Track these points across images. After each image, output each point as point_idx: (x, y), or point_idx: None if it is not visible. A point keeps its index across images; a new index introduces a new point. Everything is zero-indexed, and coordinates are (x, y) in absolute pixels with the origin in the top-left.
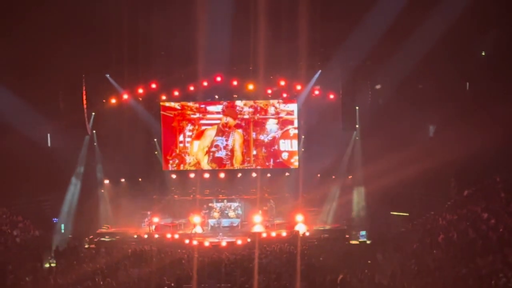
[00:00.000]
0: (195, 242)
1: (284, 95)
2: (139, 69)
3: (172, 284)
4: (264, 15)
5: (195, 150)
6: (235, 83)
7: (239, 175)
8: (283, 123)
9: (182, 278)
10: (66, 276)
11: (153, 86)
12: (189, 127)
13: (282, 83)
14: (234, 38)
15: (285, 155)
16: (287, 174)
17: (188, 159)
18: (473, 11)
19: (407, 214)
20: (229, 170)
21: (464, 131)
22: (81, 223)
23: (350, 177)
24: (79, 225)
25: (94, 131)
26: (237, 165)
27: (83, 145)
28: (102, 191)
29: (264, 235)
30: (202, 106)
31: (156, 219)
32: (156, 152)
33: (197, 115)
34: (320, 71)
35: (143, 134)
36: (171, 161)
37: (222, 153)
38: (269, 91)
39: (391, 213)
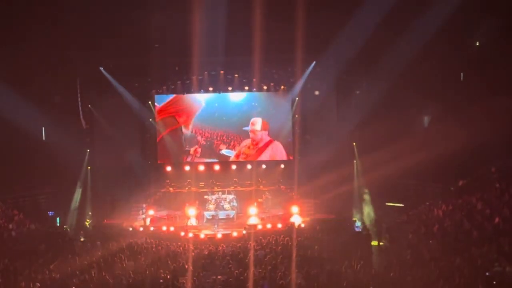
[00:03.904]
0: (190, 235)
1: (279, 87)
2: (133, 62)
3: (168, 277)
4: (259, 7)
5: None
6: (229, 75)
7: (234, 167)
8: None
9: (178, 270)
10: (62, 270)
11: (148, 79)
12: (184, 119)
13: (277, 75)
14: (229, 31)
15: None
16: (282, 166)
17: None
18: (468, 2)
19: (402, 205)
20: (223, 162)
21: (459, 122)
22: (76, 216)
23: (345, 168)
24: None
25: (88, 125)
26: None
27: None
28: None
29: (259, 227)
30: (197, 98)
31: (151, 212)
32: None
33: (192, 107)
34: (314, 62)
35: (138, 127)
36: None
37: None
38: (264, 83)
39: (386, 203)
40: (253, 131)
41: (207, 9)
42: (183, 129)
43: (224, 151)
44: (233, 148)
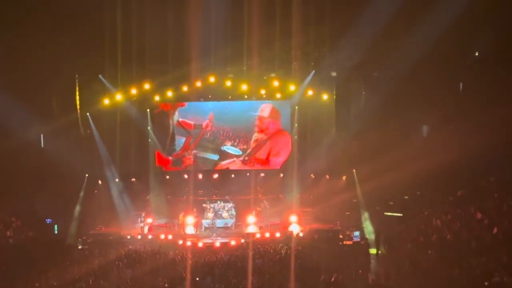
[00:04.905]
0: (188, 243)
1: (278, 95)
2: (132, 69)
3: (166, 285)
4: (258, 15)
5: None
6: (228, 83)
7: (233, 175)
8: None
9: (176, 279)
10: (59, 277)
11: (146, 86)
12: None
13: (276, 83)
14: (227, 39)
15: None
16: (281, 174)
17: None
18: (467, 12)
19: (401, 215)
20: (222, 171)
21: (458, 131)
22: (74, 223)
23: (344, 177)
24: (72, 226)
25: (88, 131)
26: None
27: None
28: (96, 191)
29: (258, 235)
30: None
31: (149, 220)
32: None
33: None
34: (314, 71)
35: (137, 134)
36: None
37: None
38: (263, 92)
39: (385, 213)
40: (260, 118)
41: (206, 16)
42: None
43: (227, 148)
44: (238, 145)
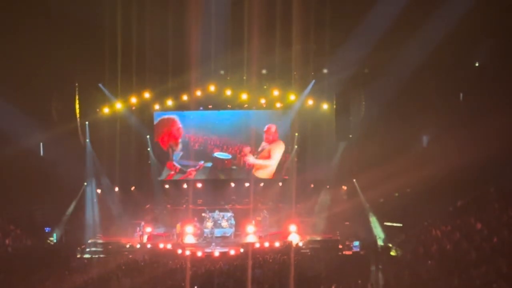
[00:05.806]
0: (187, 252)
1: (278, 104)
2: (132, 78)
3: None
4: (258, 25)
5: None
6: (228, 92)
7: (232, 185)
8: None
9: None
10: (58, 286)
11: (146, 95)
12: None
13: (276, 92)
14: (227, 48)
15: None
16: (280, 184)
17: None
18: (467, 22)
19: (401, 225)
20: (222, 180)
21: (458, 142)
22: (73, 232)
23: (344, 187)
24: (71, 235)
25: (87, 140)
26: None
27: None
28: (95, 200)
29: (257, 245)
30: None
31: (148, 229)
32: (149, 162)
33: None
34: (314, 81)
35: (136, 143)
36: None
37: None
38: (263, 101)
39: (385, 223)
40: (268, 132)
41: (206, 26)
42: (174, 151)
43: (217, 154)
44: (227, 151)
